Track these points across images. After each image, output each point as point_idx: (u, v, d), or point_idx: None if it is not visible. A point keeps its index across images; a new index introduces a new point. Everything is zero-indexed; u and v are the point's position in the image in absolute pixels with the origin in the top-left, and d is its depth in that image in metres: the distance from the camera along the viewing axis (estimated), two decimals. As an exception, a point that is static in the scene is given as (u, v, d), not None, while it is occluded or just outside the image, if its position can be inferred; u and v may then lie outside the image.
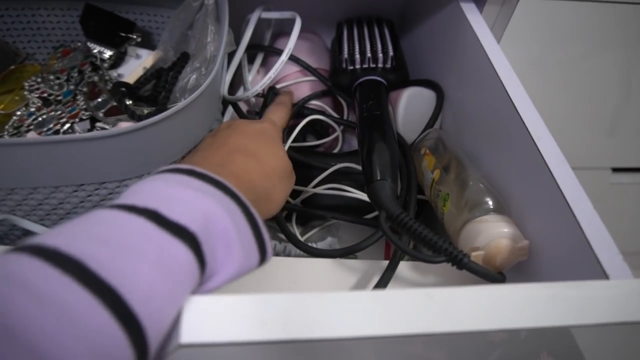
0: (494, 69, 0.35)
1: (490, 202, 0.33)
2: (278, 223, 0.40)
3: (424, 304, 0.18)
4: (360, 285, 0.33)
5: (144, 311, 0.16)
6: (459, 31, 0.42)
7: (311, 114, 0.48)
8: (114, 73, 0.47)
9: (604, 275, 0.22)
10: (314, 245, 0.42)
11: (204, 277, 0.20)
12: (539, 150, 0.29)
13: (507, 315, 0.18)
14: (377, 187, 0.33)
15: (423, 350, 0.22)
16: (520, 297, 0.19)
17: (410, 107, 0.46)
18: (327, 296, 0.18)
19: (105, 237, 0.18)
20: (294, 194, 0.43)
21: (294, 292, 0.17)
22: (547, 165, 0.28)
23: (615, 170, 0.71)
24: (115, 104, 0.42)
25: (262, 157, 0.31)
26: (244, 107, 0.50)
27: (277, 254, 0.42)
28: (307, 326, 0.17)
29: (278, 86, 0.51)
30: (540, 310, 0.19)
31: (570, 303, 0.19)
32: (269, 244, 0.24)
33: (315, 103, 0.51)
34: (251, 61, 0.54)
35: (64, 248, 0.17)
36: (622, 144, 0.68)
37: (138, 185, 0.22)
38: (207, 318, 0.17)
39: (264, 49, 0.54)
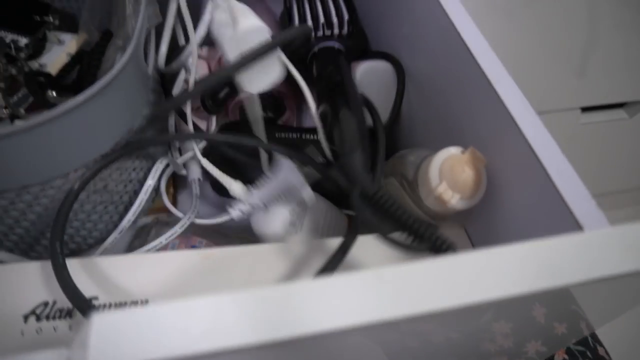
0: (451, 21, 0.32)
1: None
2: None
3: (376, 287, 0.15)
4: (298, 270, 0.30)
5: None
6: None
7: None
8: (34, 64, 0.42)
9: (578, 227, 0.20)
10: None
11: None
12: (499, 96, 0.27)
13: (472, 288, 0.16)
14: (347, 162, 0.28)
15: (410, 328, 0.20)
16: (484, 265, 0.16)
17: (365, 86, 0.42)
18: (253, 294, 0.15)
19: None
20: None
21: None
22: (509, 113, 0.26)
23: (585, 110, 0.69)
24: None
25: None
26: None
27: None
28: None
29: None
30: (507, 277, 0.16)
31: (543, 263, 0.17)
32: None
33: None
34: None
35: None
36: (589, 83, 0.66)
37: None
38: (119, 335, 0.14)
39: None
